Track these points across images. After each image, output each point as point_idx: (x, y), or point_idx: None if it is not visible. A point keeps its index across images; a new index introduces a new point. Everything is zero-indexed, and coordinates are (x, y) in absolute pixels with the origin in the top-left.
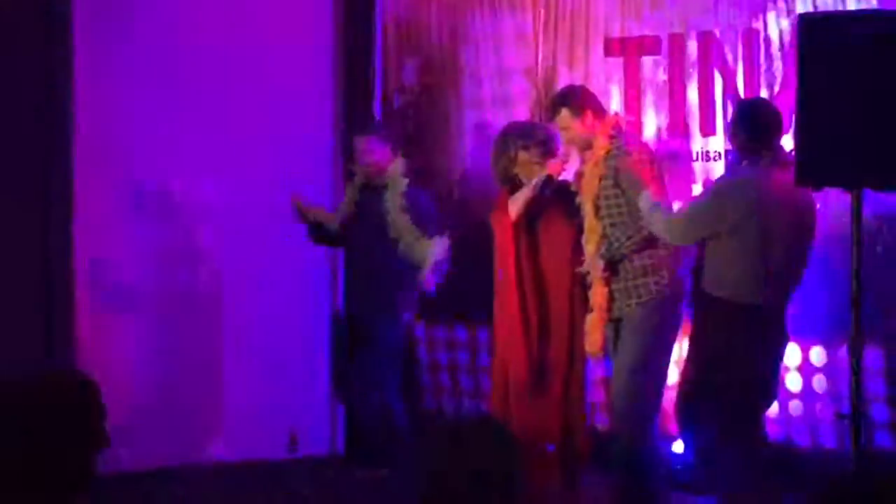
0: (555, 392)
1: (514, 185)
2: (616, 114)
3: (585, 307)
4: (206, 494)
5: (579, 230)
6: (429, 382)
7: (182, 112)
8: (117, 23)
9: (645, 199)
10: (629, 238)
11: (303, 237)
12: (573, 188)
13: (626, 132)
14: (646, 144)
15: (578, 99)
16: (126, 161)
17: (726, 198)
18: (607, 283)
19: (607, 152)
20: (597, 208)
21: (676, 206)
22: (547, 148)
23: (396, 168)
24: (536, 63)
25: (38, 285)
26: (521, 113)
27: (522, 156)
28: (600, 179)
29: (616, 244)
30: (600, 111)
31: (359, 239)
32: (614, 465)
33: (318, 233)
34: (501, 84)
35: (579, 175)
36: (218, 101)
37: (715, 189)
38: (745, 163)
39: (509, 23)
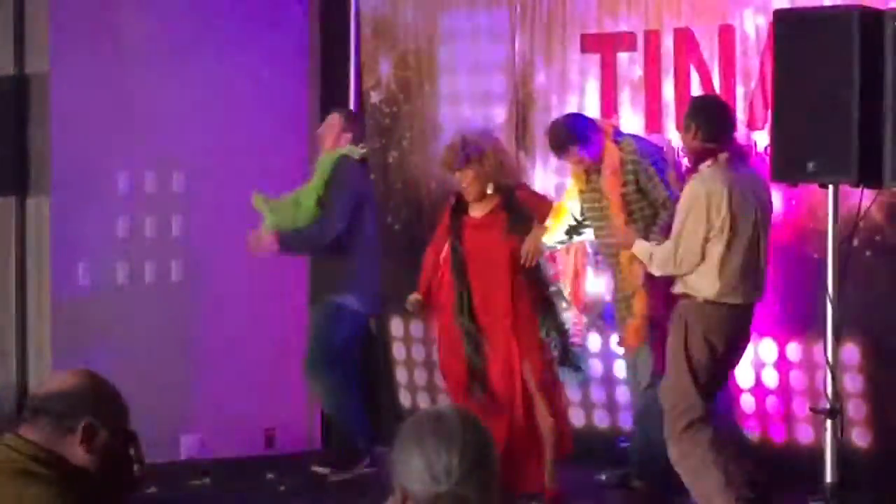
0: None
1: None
2: (609, 121)
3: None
4: (183, 492)
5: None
6: (405, 379)
7: (156, 106)
8: (94, 17)
9: (639, 249)
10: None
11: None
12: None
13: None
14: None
15: (578, 130)
16: (101, 154)
17: (704, 208)
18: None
19: (622, 160)
20: (629, 213)
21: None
22: (475, 172)
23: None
24: (513, 59)
25: (14, 277)
26: (499, 108)
27: (455, 178)
28: (624, 185)
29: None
30: (595, 127)
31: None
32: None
33: None
34: (478, 79)
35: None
36: (192, 97)
37: (689, 204)
38: (707, 163)
39: (485, 18)
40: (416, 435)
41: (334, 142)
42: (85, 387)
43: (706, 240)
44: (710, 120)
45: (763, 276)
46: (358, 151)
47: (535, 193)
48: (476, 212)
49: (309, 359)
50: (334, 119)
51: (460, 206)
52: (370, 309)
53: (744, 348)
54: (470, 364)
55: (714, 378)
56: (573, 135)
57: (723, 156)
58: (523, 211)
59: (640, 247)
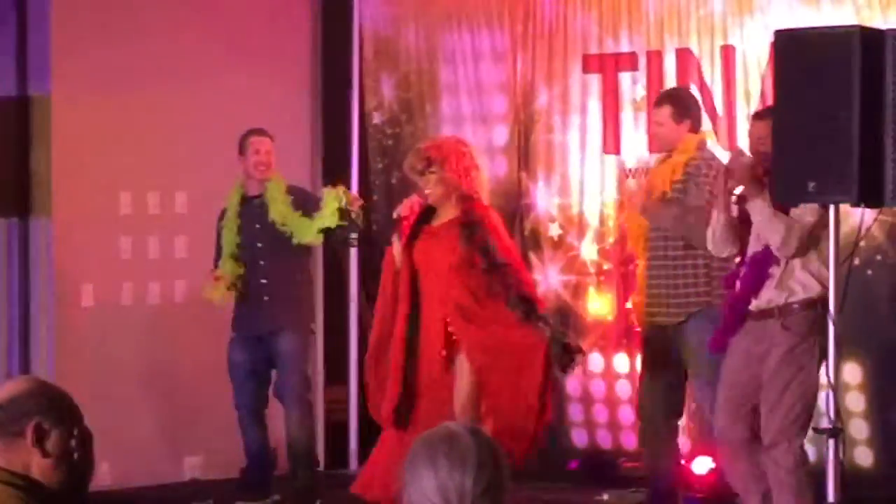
0: None
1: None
2: (703, 132)
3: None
4: None
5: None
6: None
7: (158, 127)
8: (95, 39)
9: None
10: None
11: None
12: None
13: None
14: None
15: (683, 104)
16: (103, 173)
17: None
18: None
19: (687, 163)
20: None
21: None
22: (438, 177)
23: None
24: (514, 79)
25: (16, 297)
26: (500, 129)
27: (419, 183)
28: (672, 183)
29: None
30: (697, 124)
31: (254, 254)
32: None
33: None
34: (480, 100)
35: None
36: (196, 118)
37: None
38: None
39: (487, 39)
40: (429, 455)
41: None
42: (29, 390)
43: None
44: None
45: None
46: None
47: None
48: (435, 222)
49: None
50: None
51: (426, 216)
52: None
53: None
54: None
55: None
56: (675, 101)
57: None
58: (479, 228)
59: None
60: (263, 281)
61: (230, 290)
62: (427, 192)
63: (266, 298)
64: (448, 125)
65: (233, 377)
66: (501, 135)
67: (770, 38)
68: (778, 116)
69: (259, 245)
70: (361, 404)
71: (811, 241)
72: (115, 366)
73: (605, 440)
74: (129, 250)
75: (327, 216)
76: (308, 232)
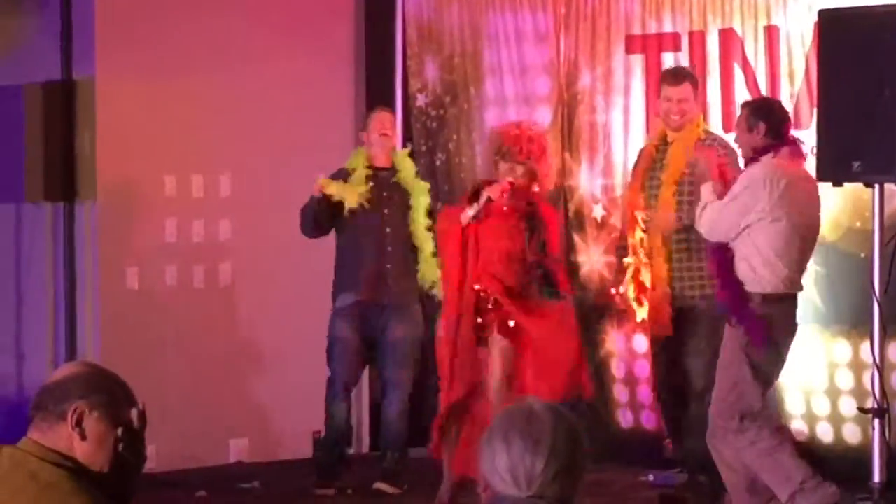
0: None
1: (477, 191)
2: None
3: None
4: (232, 495)
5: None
6: None
7: (202, 110)
8: (139, 22)
9: (705, 191)
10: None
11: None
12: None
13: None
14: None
15: (696, 80)
16: (147, 157)
17: (760, 189)
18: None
19: (700, 139)
20: (678, 185)
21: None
22: (526, 168)
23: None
24: (558, 60)
25: (62, 281)
26: (543, 110)
27: (502, 166)
28: (687, 162)
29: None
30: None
31: (381, 220)
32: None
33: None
34: (523, 81)
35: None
36: (240, 101)
37: (746, 183)
38: (770, 154)
39: (530, 21)
40: (506, 432)
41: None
42: (76, 374)
43: (746, 224)
44: (776, 119)
45: (805, 269)
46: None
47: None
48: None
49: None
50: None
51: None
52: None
53: (792, 340)
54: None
55: (772, 374)
56: (692, 77)
57: (784, 150)
58: (541, 225)
59: (707, 191)
60: (389, 248)
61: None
62: (511, 179)
63: (388, 266)
64: (492, 107)
65: (334, 352)
66: (545, 116)
67: (814, 17)
68: (823, 97)
69: (386, 211)
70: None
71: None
72: (160, 349)
73: (649, 421)
74: (173, 233)
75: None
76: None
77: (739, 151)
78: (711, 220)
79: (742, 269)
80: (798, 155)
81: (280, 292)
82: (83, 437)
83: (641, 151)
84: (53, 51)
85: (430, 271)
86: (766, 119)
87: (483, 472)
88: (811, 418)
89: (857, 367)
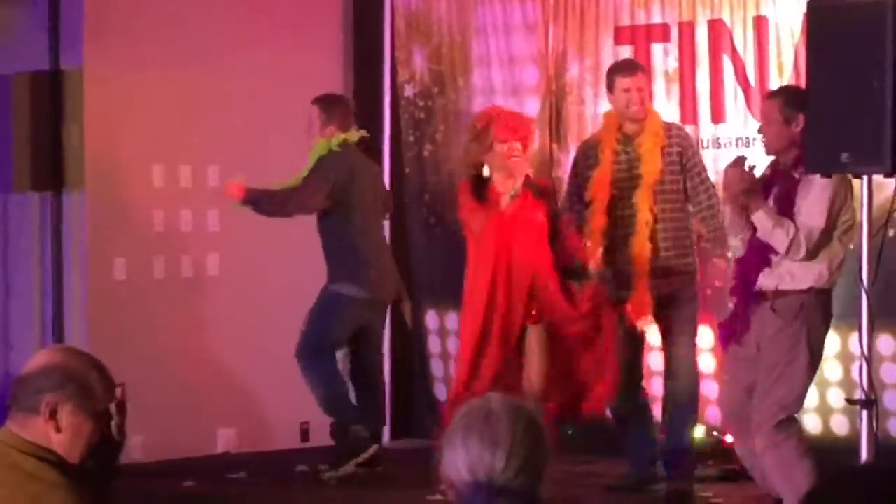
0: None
1: (479, 173)
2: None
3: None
4: (220, 485)
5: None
6: (440, 372)
7: (191, 100)
8: (127, 12)
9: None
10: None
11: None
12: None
13: None
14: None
15: (646, 71)
16: (135, 147)
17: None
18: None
19: (666, 129)
20: (659, 192)
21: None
22: (525, 144)
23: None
24: (546, 51)
25: (50, 271)
26: (532, 101)
27: (499, 148)
28: (662, 150)
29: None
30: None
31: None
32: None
33: None
34: (511, 72)
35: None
36: (228, 92)
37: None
38: None
39: (519, 11)
40: (464, 431)
41: (320, 135)
42: (49, 365)
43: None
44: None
45: None
46: (354, 136)
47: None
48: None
49: (303, 347)
50: (314, 112)
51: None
52: (368, 293)
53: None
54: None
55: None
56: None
57: None
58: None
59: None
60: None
61: None
62: (514, 156)
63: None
64: (480, 97)
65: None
66: (533, 107)
67: (803, 8)
68: (811, 88)
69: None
70: (394, 379)
71: (824, 239)
72: (148, 339)
73: None
74: (161, 224)
75: None
76: None
77: (762, 145)
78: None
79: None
80: None
81: (268, 282)
82: (58, 430)
83: (593, 145)
84: (41, 41)
85: None
86: (804, 109)
87: (445, 473)
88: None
89: (845, 358)
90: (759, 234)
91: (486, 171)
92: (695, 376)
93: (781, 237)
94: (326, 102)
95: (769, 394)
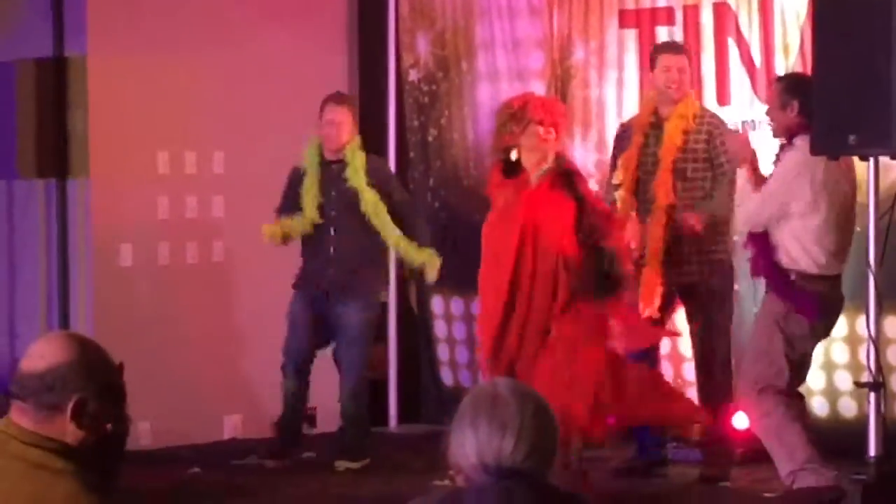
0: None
1: (508, 157)
2: None
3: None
4: (226, 471)
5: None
6: (446, 356)
7: (195, 86)
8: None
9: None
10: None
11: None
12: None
13: None
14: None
15: (690, 55)
16: (140, 133)
17: (805, 178)
18: None
19: (696, 115)
20: (675, 163)
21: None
22: (558, 128)
23: (355, 144)
24: (551, 34)
25: (55, 258)
26: (537, 85)
27: (534, 129)
28: (687, 134)
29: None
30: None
31: (326, 220)
32: None
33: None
34: (516, 56)
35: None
36: (232, 78)
37: (793, 171)
38: (803, 138)
39: None
40: (472, 417)
41: (350, 137)
42: (72, 360)
43: (784, 214)
44: (810, 96)
45: (849, 247)
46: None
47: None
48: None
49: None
50: (346, 114)
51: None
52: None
53: (836, 320)
54: None
55: (807, 353)
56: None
57: None
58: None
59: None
60: (331, 249)
61: (285, 240)
62: (547, 139)
63: (331, 271)
64: (484, 82)
65: (289, 326)
66: (538, 91)
67: None
68: (818, 70)
69: (333, 213)
70: (401, 364)
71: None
72: (154, 325)
73: None
74: (166, 210)
75: (412, 253)
76: (389, 238)
77: (771, 129)
78: (749, 212)
79: (779, 256)
80: None
81: (272, 268)
82: (80, 426)
83: (630, 125)
84: (45, 28)
85: (411, 253)
86: (801, 96)
87: (453, 458)
88: (807, 392)
89: (852, 341)
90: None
91: (513, 156)
92: (720, 366)
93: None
94: (354, 104)
95: (750, 369)
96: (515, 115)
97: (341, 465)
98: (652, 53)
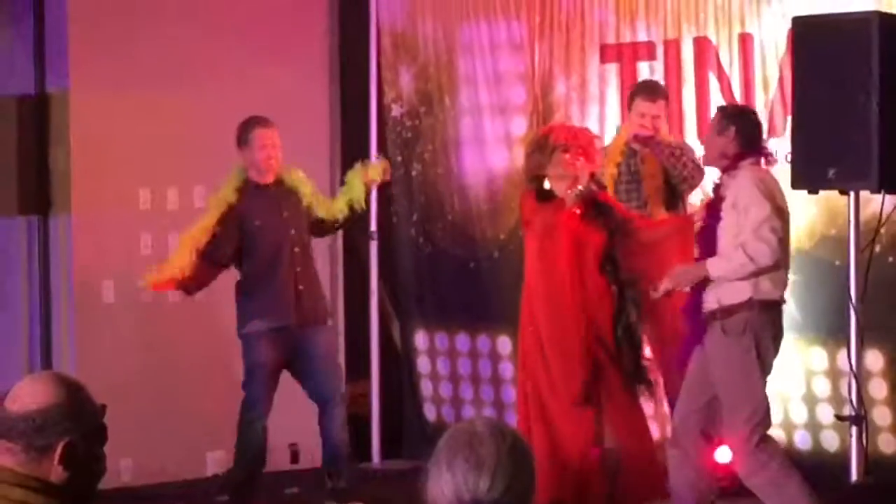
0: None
1: (540, 186)
2: None
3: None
4: None
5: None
6: (429, 392)
7: (177, 122)
8: (112, 35)
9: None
10: None
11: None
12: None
13: None
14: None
15: (668, 96)
16: (122, 170)
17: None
18: None
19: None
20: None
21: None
22: (586, 153)
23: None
24: (532, 69)
25: (37, 295)
26: (519, 120)
27: (560, 157)
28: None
29: None
30: None
31: (282, 242)
32: None
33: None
34: (498, 91)
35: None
36: (214, 114)
37: (758, 194)
38: (749, 161)
39: (504, 30)
40: (449, 456)
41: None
42: (61, 402)
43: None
44: (748, 125)
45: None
46: None
47: None
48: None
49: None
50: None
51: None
52: None
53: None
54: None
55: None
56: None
57: (762, 158)
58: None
59: (715, 262)
60: (298, 269)
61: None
62: (570, 172)
63: (301, 288)
64: (467, 116)
65: (255, 376)
66: (520, 125)
67: (788, 25)
68: (797, 104)
69: (293, 231)
70: (384, 399)
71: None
72: (136, 362)
73: None
74: (149, 246)
75: (353, 191)
76: (334, 203)
77: (702, 157)
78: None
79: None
80: (768, 164)
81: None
82: (66, 468)
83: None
84: (27, 64)
85: (331, 206)
86: (737, 123)
87: (430, 496)
88: (789, 426)
89: (833, 374)
90: (724, 275)
91: (546, 185)
92: None
93: (741, 260)
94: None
95: (736, 416)
96: (539, 143)
97: None
98: (630, 93)
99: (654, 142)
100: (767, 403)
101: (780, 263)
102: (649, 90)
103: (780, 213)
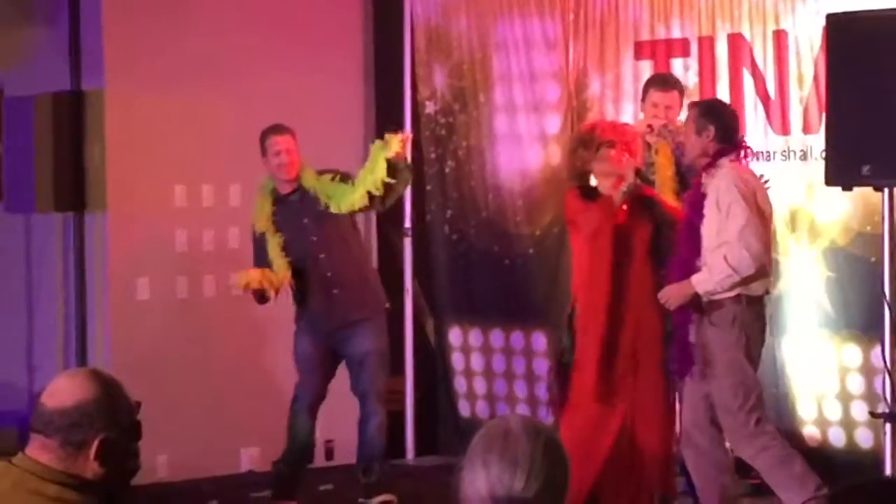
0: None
1: (585, 184)
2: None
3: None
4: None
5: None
6: (463, 388)
7: (212, 120)
8: (148, 32)
9: (701, 281)
10: None
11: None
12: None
13: None
14: None
15: (683, 89)
16: (157, 167)
17: (749, 197)
18: None
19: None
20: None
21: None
22: (630, 149)
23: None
24: (567, 67)
25: (73, 292)
26: (553, 117)
27: (606, 153)
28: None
29: None
30: None
31: (310, 249)
32: None
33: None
34: (533, 88)
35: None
36: (249, 111)
37: (739, 196)
38: (730, 158)
39: (539, 27)
40: (483, 454)
41: None
42: (97, 398)
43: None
44: (726, 121)
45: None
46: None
47: None
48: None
49: None
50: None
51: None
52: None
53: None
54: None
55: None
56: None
57: (741, 154)
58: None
59: (700, 279)
60: (329, 274)
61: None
62: (617, 166)
63: (336, 292)
64: (501, 114)
65: (299, 369)
66: (554, 123)
67: (822, 21)
68: (831, 100)
69: (314, 238)
70: (418, 396)
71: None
72: (171, 358)
73: None
74: (184, 243)
75: (376, 169)
76: (352, 194)
77: (684, 154)
78: (751, 248)
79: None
80: (746, 157)
81: (290, 300)
82: (102, 465)
83: None
84: (63, 62)
85: (345, 195)
86: (716, 121)
87: (464, 493)
88: (823, 423)
89: (867, 371)
90: (711, 290)
91: (591, 181)
92: None
93: (725, 272)
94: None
95: (731, 404)
96: (584, 139)
97: (377, 500)
98: (643, 86)
99: (667, 130)
100: (760, 388)
101: (763, 269)
102: (662, 81)
103: (761, 214)
